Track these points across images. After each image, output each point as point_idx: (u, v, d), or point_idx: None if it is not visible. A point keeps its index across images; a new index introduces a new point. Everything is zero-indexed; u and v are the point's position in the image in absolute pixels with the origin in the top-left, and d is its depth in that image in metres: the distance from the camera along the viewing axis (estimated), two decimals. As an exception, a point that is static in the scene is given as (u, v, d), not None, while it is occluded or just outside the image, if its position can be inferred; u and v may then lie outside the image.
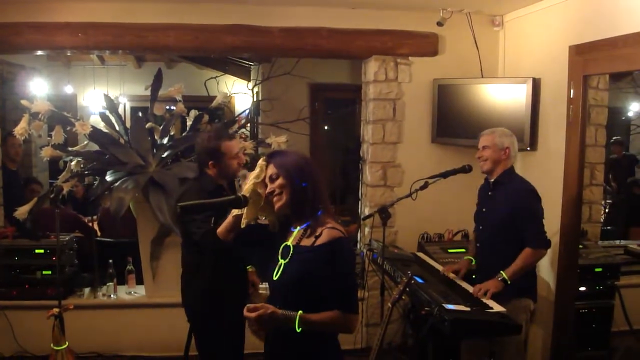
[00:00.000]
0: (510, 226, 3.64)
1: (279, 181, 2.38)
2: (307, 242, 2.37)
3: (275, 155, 2.48)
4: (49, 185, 7.76)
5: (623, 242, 5.46)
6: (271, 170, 2.42)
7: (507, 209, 3.66)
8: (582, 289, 4.43)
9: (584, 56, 3.90)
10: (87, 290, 4.99)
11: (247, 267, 3.74)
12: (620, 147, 8.04)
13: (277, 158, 2.44)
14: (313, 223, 2.38)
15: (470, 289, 3.62)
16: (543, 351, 4.28)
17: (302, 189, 2.36)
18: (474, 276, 3.88)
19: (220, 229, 2.98)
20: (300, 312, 2.25)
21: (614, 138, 7.99)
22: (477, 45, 4.95)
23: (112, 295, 4.90)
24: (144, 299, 4.91)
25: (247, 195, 2.48)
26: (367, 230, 4.99)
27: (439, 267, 4.09)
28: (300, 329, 2.25)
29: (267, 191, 2.41)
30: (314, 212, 2.39)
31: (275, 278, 2.41)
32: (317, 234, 2.34)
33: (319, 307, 2.28)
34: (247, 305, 2.31)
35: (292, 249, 2.40)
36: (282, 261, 2.41)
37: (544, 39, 4.47)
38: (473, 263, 3.95)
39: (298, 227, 2.43)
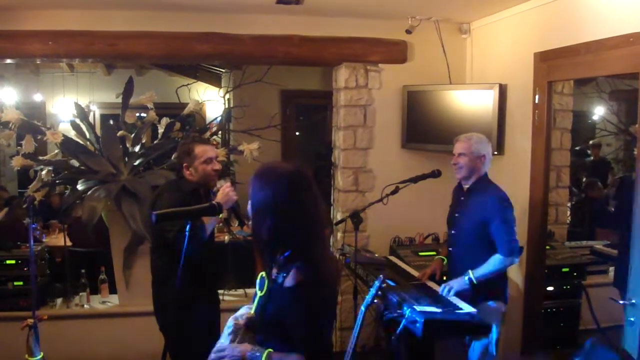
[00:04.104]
0: (482, 233, 3.67)
1: (249, 206, 2.19)
2: (275, 279, 2.17)
3: (257, 173, 2.20)
4: (17, 194, 7.69)
5: (589, 243, 5.59)
6: (250, 188, 2.18)
7: (480, 216, 3.68)
8: (550, 288, 4.53)
9: (549, 63, 4.00)
10: (59, 300, 4.94)
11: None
12: (598, 149, 8.17)
13: (255, 178, 2.19)
14: (275, 262, 2.18)
15: (439, 290, 3.70)
16: (512, 350, 4.37)
17: (259, 226, 2.14)
18: (444, 277, 3.95)
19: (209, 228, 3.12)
20: (267, 351, 2.13)
21: (591, 141, 8.15)
22: (445, 53, 5.03)
23: (85, 305, 4.87)
24: (117, 308, 4.88)
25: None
26: (339, 235, 5.04)
27: (414, 273, 4.14)
28: None
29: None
30: (272, 252, 2.18)
31: (252, 312, 2.30)
32: (285, 272, 2.13)
33: (290, 347, 2.13)
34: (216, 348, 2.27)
35: (266, 282, 2.24)
36: (259, 293, 2.28)
37: (509, 46, 4.57)
38: (445, 262, 4.02)
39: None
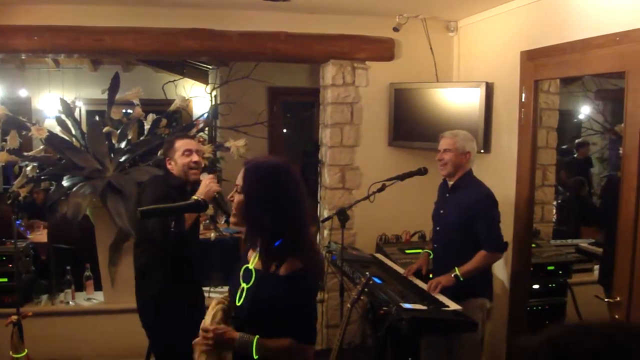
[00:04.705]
0: (467, 230, 3.70)
1: (237, 197, 2.26)
2: (268, 268, 2.25)
3: (252, 165, 2.29)
4: (2, 190, 7.63)
5: (574, 241, 5.61)
6: (239, 177, 2.27)
7: (465, 213, 3.71)
8: (536, 286, 4.54)
9: (535, 61, 4.01)
10: (44, 297, 4.91)
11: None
12: (586, 148, 8.18)
13: (250, 170, 2.27)
14: (267, 251, 2.26)
15: (425, 287, 3.71)
16: (498, 347, 4.39)
17: (256, 217, 2.23)
18: (430, 275, 3.96)
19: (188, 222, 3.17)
20: (257, 336, 2.20)
21: (578, 140, 8.17)
22: (432, 50, 5.04)
23: (70, 302, 4.84)
24: (102, 305, 4.86)
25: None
26: (326, 232, 5.04)
27: (401, 270, 4.14)
28: (257, 355, 2.19)
29: (228, 197, 2.33)
30: (268, 243, 2.25)
31: (238, 303, 2.31)
32: (277, 262, 2.23)
33: (279, 335, 2.22)
34: (202, 327, 2.28)
35: (254, 273, 2.30)
36: (244, 285, 2.31)
37: (496, 44, 4.58)
38: (431, 257, 4.03)
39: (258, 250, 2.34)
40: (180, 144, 3.55)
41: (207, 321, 2.35)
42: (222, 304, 2.42)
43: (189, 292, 3.65)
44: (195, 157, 3.54)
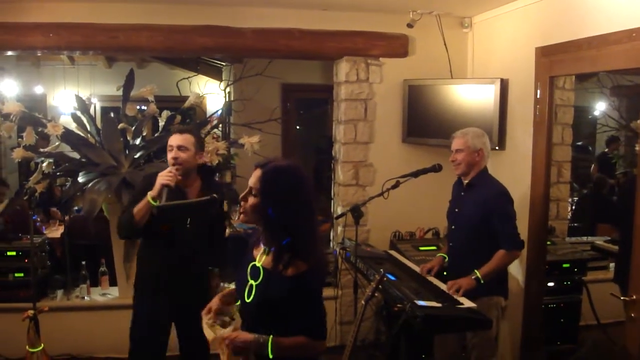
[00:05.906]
0: (482, 228, 3.67)
1: (252, 200, 2.29)
2: (276, 267, 2.29)
3: (270, 168, 2.30)
4: (19, 186, 7.70)
5: (590, 239, 5.58)
6: (254, 180, 2.29)
7: (480, 211, 3.68)
8: (551, 284, 4.53)
9: (550, 58, 3.99)
10: (60, 292, 4.94)
11: (210, 269, 3.78)
12: (616, 144, 8.07)
13: (269, 173, 2.29)
14: (278, 251, 2.30)
15: (441, 285, 3.68)
16: (513, 345, 4.37)
17: (271, 219, 2.27)
18: (445, 273, 3.94)
19: (135, 209, 3.25)
20: (271, 337, 2.26)
21: (609, 135, 8.10)
22: (446, 47, 5.03)
23: (85, 297, 4.88)
24: (117, 301, 4.88)
25: None
26: (339, 229, 5.04)
27: (415, 267, 4.12)
28: (272, 355, 2.25)
29: (240, 197, 2.34)
30: (278, 240, 2.30)
31: (248, 300, 2.36)
32: (285, 262, 2.27)
33: (289, 331, 2.28)
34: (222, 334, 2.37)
35: (262, 271, 2.35)
36: (252, 282, 2.36)
37: (511, 40, 4.56)
38: (446, 260, 4.01)
39: (266, 248, 2.38)
40: (169, 140, 3.50)
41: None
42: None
43: (160, 288, 3.60)
44: (173, 154, 3.42)
